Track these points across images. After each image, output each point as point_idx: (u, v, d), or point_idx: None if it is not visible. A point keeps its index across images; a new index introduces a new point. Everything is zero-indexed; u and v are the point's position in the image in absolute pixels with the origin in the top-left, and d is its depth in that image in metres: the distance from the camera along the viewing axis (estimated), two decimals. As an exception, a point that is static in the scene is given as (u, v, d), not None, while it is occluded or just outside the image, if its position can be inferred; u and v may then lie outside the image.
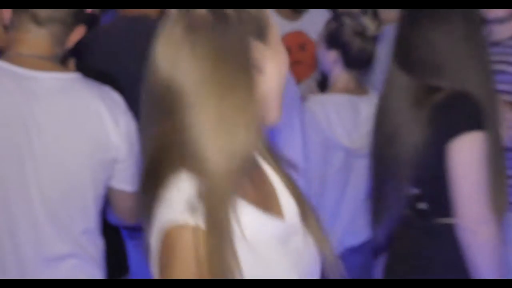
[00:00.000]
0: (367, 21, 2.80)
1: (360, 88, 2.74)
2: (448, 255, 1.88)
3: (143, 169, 1.12)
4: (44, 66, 1.72)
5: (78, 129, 1.72)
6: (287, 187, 1.24)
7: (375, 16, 3.15)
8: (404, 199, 1.91)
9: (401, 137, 1.89)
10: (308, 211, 1.25)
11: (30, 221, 1.70)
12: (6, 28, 1.84)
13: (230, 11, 1.09)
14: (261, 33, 1.13)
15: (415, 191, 1.89)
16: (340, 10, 2.98)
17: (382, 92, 2.09)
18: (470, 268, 1.84)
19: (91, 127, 1.73)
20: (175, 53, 1.08)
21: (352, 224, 2.68)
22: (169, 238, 1.04)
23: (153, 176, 1.09)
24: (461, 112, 1.82)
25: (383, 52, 2.94)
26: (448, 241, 1.88)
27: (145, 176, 1.11)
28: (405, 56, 1.95)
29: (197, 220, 1.03)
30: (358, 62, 2.70)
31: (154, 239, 1.07)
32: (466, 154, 1.81)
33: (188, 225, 1.03)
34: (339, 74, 2.70)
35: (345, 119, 2.64)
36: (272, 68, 1.14)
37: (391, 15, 3.19)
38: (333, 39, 2.69)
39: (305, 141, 2.37)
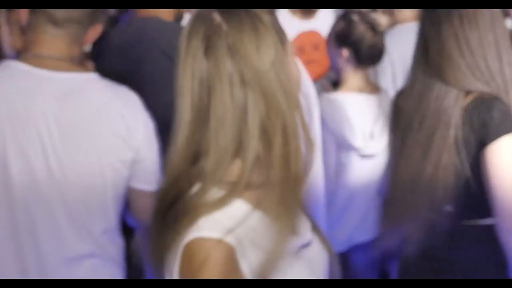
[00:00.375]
0: (377, 17, 2.80)
1: (371, 86, 2.75)
2: (472, 256, 1.88)
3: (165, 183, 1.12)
4: (62, 67, 1.72)
5: (98, 129, 1.71)
6: None
7: (385, 12, 3.14)
8: (431, 203, 1.89)
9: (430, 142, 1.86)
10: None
11: (50, 221, 1.70)
12: (22, 30, 1.84)
13: (246, 20, 1.09)
14: (281, 43, 1.13)
15: (440, 193, 1.87)
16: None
17: (405, 96, 2.05)
18: None
19: (110, 127, 1.72)
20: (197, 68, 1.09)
21: (362, 222, 2.69)
22: (191, 249, 1.04)
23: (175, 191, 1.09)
24: (496, 115, 1.79)
25: (397, 52, 2.95)
26: (473, 243, 1.88)
27: (167, 190, 1.11)
28: (431, 59, 1.90)
29: (223, 235, 1.03)
30: (370, 58, 2.70)
31: (173, 250, 1.07)
32: (506, 156, 1.80)
33: (213, 238, 1.03)
34: (351, 72, 2.70)
35: (357, 118, 2.63)
36: None
37: (405, 15, 3.19)
38: (343, 37, 2.69)
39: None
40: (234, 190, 1.07)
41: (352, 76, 2.70)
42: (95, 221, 1.74)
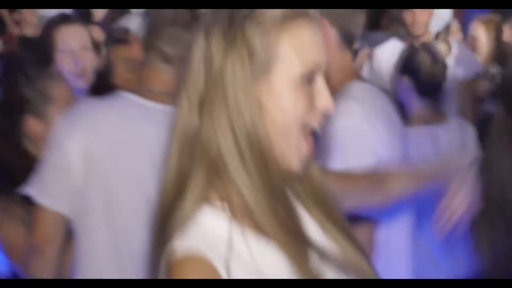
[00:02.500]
0: (438, 45, 2.81)
1: (438, 116, 2.69)
2: None
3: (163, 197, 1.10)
4: (169, 100, 1.78)
5: None
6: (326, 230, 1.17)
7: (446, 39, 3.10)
8: None
9: None
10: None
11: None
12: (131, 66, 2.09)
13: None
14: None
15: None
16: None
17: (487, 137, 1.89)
18: None
19: None
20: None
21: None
22: (178, 265, 1.02)
23: (173, 204, 1.08)
24: None
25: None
26: None
27: (165, 204, 1.10)
28: None
29: (209, 255, 1.00)
30: (429, 88, 2.66)
31: (163, 258, 1.05)
32: None
33: (197, 256, 1.00)
34: (414, 103, 2.69)
35: (424, 151, 2.55)
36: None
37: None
38: (404, 66, 2.72)
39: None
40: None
41: (416, 107, 2.66)
42: None
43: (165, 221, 1.08)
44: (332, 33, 1.86)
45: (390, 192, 1.57)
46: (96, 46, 2.80)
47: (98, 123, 1.81)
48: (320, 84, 1.11)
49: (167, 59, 1.81)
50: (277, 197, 1.07)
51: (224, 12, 1.09)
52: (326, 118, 1.13)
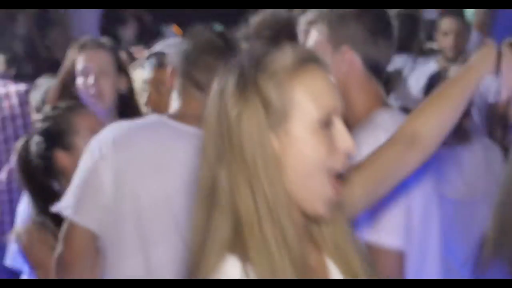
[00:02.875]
0: None
1: (462, 137, 2.65)
2: None
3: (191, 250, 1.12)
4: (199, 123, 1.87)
5: None
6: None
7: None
8: None
9: None
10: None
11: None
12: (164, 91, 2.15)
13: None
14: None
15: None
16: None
17: None
18: None
19: None
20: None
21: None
22: None
23: (199, 257, 1.09)
24: None
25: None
26: None
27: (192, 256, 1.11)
28: None
29: None
30: None
31: None
32: None
33: None
34: None
35: (448, 172, 2.54)
36: None
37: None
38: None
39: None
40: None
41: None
42: None
43: (193, 273, 1.09)
44: (357, 61, 1.85)
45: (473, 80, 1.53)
46: (122, 69, 2.87)
47: (129, 143, 1.89)
48: (338, 126, 1.11)
49: (199, 86, 1.89)
50: (293, 262, 1.06)
51: (235, 66, 1.11)
52: (349, 159, 1.13)
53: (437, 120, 1.48)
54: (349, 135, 1.12)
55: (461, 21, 4.13)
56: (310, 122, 1.08)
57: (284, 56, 1.10)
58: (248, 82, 1.08)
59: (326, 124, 1.10)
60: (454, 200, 2.55)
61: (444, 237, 2.53)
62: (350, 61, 1.83)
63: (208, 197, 1.09)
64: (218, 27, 2.24)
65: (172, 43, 2.55)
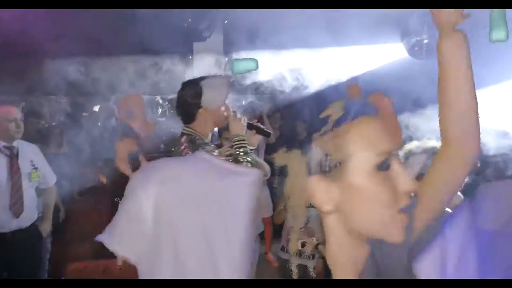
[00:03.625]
0: None
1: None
2: None
3: None
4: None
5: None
6: None
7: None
8: None
9: None
10: None
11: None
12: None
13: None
14: None
15: None
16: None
17: None
18: None
19: None
20: None
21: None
22: None
23: None
24: None
25: None
26: None
27: None
28: None
29: None
30: None
31: None
32: None
33: None
34: None
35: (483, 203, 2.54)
36: None
37: None
38: None
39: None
40: None
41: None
42: None
43: None
44: (388, 103, 1.92)
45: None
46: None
47: (169, 177, 1.95)
48: (396, 168, 1.13)
49: None
50: None
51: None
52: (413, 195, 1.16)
53: (448, 118, 1.49)
54: (408, 176, 1.13)
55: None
56: (368, 167, 1.13)
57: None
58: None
59: (384, 167, 1.13)
60: (491, 231, 2.53)
61: (481, 268, 2.57)
62: (382, 104, 1.83)
63: None
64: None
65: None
